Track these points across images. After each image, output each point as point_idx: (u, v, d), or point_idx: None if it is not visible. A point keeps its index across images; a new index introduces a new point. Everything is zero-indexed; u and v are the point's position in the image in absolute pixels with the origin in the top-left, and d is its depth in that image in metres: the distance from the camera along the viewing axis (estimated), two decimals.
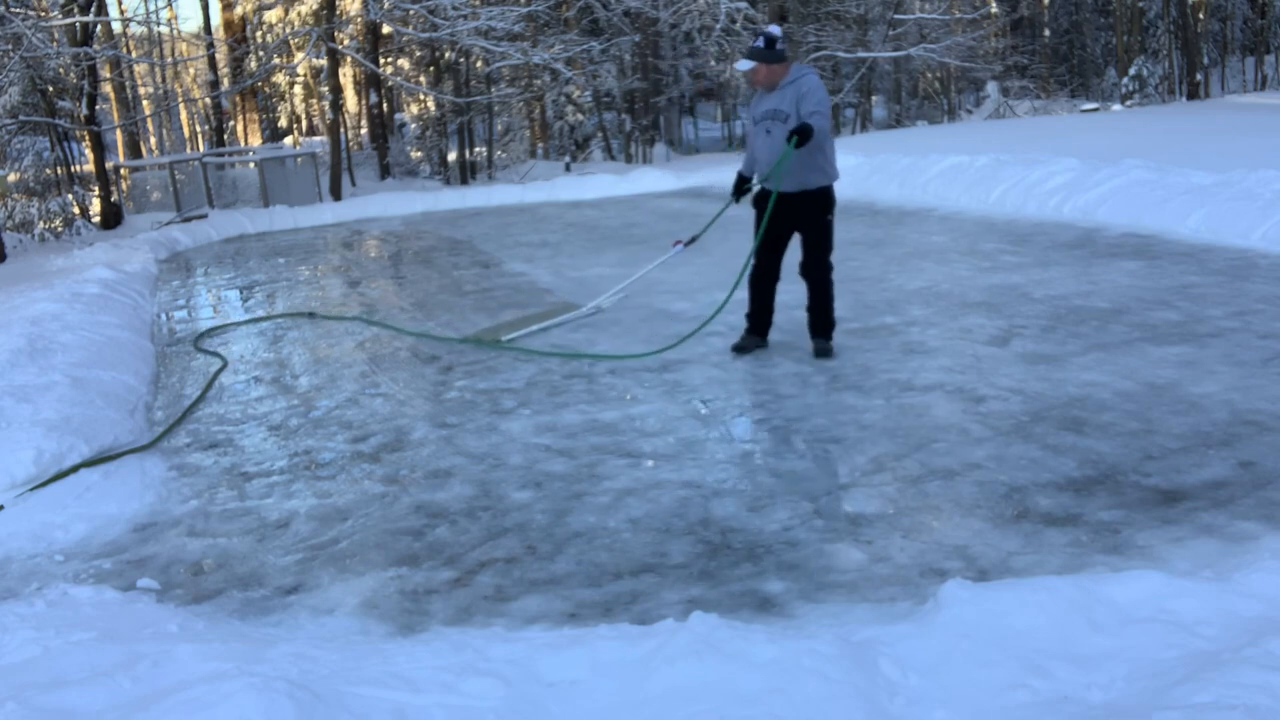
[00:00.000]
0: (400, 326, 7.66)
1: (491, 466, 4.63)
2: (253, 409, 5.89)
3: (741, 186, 6.07)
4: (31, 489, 4.50)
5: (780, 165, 5.54)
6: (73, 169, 17.61)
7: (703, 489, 4.19)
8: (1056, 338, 5.97)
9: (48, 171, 17.13)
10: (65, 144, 17.50)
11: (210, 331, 8.14)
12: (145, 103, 30.04)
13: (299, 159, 18.67)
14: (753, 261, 5.96)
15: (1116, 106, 23.89)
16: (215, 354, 7.22)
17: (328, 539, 3.99)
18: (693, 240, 6.58)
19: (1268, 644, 2.50)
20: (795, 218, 5.78)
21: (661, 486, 4.25)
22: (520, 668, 2.72)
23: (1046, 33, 34.12)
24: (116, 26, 22.26)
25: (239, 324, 8.43)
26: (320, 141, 27.03)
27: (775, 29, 5.72)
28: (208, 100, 28.75)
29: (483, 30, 19.34)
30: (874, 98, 31.47)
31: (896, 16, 26.75)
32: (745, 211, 6.10)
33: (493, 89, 23.00)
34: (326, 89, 21.70)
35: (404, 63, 24.42)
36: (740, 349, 6.14)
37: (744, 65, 5.64)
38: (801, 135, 5.32)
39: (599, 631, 2.92)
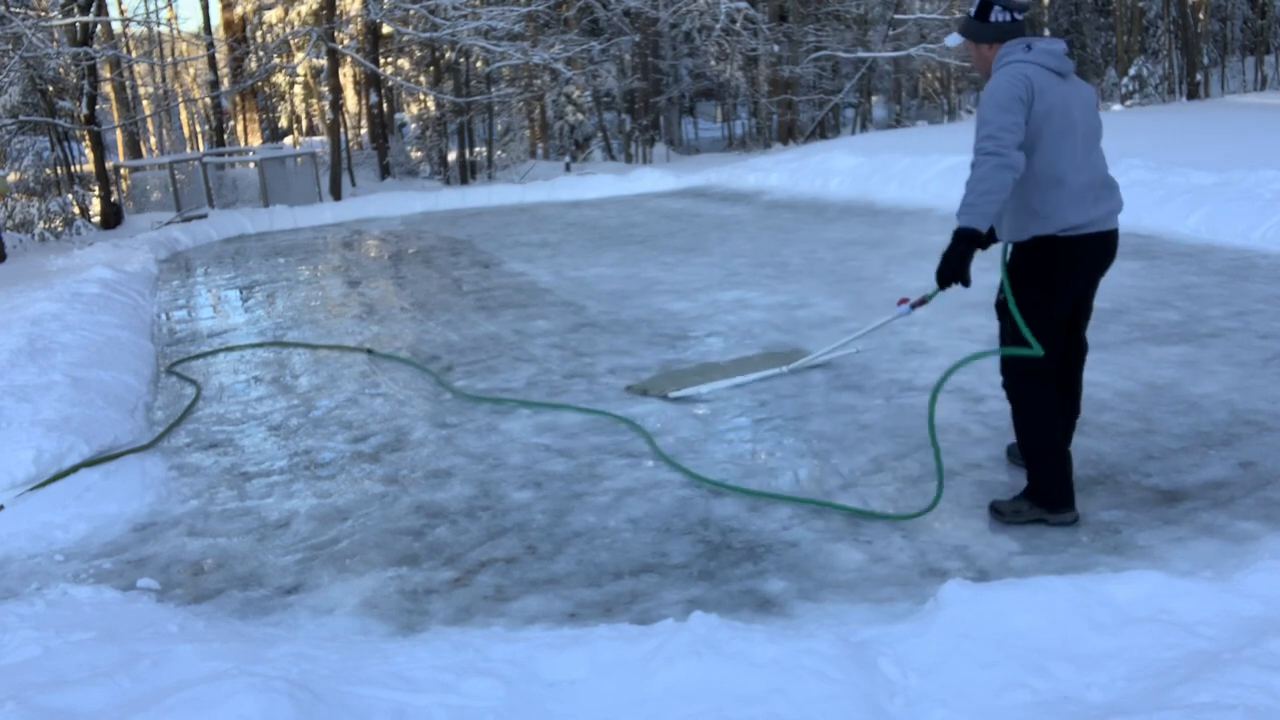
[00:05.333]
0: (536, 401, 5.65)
1: (491, 466, 4.63)
2: (253, 409, 5.88)
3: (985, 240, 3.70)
4: (31, 489, 4.50)
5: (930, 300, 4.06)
6: (73, 169, 17.61)
7: (703, 489, 4.19)
8: None
9: (48, 171, 17.13)
10: (65, 144, 17.50)
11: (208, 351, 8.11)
12: (145, 103, 30.05)
13: (299, 159, 18.68)
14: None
15: (1116, 106, 23.87)
16: (185, 380, 6.62)
17: (328, 539, 3.99)
18: (922, 301, 4.39)
19: (1268, 644, 2.50)
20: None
21: (661, 486, 4.25)
22: (520, 668, 2.72)
23: (1046, 33, 34.11)
24: (116, 26, 22.28)
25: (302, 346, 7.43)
26: (320, 141, 27.05)
27: None
28: (208, 100, 28.77)
29: (483, 30, 19.36)
30: (874, 98, 31.53)
31: (897, 16, 26.74)
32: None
33: (493, 89, 23.00)
34: (326, 89, 21.70)
35: (404, 63, 24.44)
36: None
37: (953, 40, 3.81)
38: (944, 273, 3.45)
39: (599, 631, 2.92)
